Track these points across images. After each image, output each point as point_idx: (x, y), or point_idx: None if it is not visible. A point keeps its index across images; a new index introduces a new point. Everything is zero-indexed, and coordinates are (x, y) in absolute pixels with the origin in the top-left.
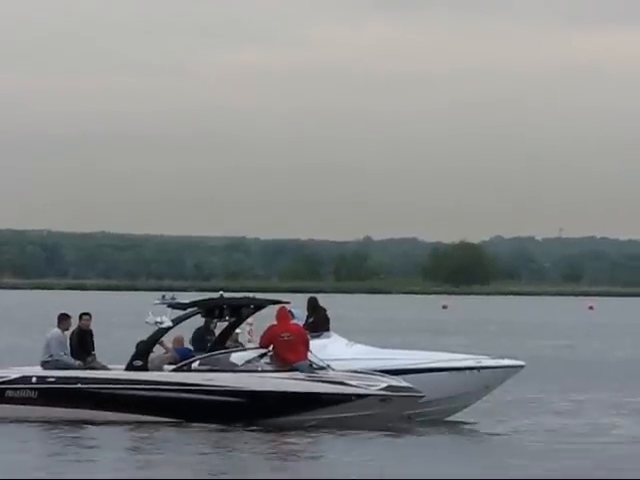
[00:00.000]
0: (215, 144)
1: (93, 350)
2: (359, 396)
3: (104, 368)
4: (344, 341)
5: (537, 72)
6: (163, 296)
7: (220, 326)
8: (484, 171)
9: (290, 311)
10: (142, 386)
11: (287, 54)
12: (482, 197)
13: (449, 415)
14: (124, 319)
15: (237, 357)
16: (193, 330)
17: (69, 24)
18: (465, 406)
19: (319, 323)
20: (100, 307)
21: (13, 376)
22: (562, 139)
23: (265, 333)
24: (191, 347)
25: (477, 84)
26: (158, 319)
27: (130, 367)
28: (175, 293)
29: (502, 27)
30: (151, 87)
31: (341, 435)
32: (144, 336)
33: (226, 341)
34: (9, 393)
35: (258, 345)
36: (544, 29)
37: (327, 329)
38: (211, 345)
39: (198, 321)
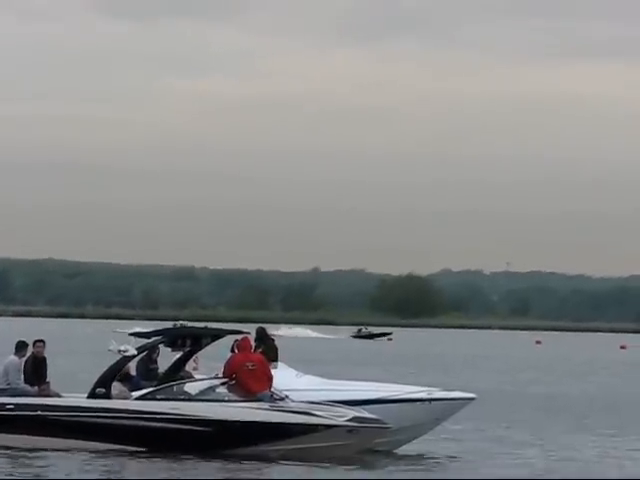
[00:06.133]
0: (172, 175)
1: (47, 377)
2: (326, 427)
3: (58, 396)
4: (293, 372)
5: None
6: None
7: (163, 356)
8: (434, 205)
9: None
10: (106, 414)
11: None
12: (431, 231)
13: (398, 447)
14: (71, 346)
15: (199, 386)
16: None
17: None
18: (414, 438)
19: (267, 353)
20: (48, 334)
21: None
22: (512, 174)
23: (229, 362)
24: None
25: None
26: (122, 347)
27: (93, 395)
28: (127, 322)
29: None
30: (111, 117)
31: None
32: (95, 364)
33: (180, 370)
34: None
35: (215, 374)
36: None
37: (275, 359)
38: (164, 374)
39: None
